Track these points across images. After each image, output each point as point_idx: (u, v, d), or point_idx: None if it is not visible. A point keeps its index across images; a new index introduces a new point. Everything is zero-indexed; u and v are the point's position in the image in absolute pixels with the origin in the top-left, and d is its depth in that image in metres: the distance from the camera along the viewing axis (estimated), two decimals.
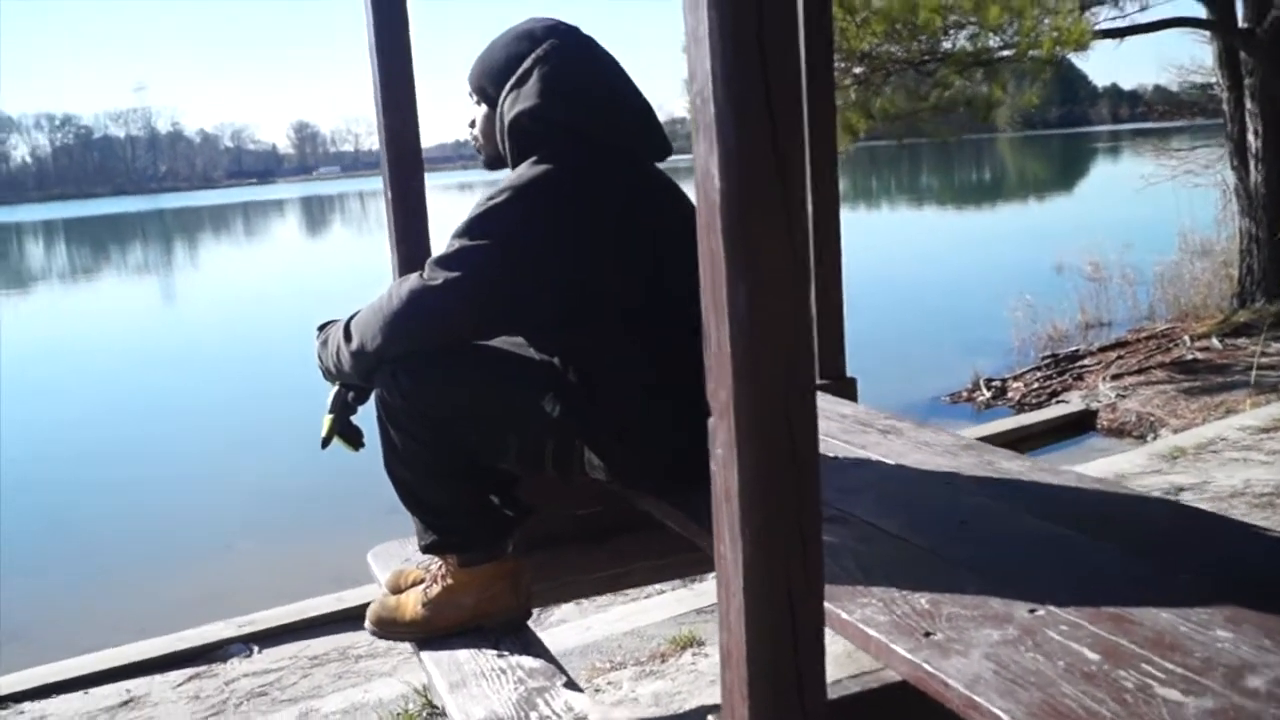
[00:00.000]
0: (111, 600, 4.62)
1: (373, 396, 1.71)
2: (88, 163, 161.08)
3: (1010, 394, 6.70)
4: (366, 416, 1.84)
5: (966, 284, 12.71)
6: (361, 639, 3.66)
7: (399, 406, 1.64)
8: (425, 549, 1.76)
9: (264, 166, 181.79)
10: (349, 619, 3.93)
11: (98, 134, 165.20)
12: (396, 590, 1.92)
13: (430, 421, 1.64)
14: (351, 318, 1.71)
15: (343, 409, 1.82)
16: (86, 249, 37.17)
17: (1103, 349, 7.41)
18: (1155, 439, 5.61)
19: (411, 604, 1.80)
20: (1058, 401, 6.38)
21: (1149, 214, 11.38)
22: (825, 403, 2.25)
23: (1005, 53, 5.71)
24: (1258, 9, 6.90)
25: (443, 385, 1.62)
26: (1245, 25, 7.00)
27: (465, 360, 1.65)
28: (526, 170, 1.61)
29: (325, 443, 1.81)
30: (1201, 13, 7.15)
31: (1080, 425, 6.04)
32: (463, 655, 1.71)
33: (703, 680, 2.41)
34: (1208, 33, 7.33)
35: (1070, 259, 10.61)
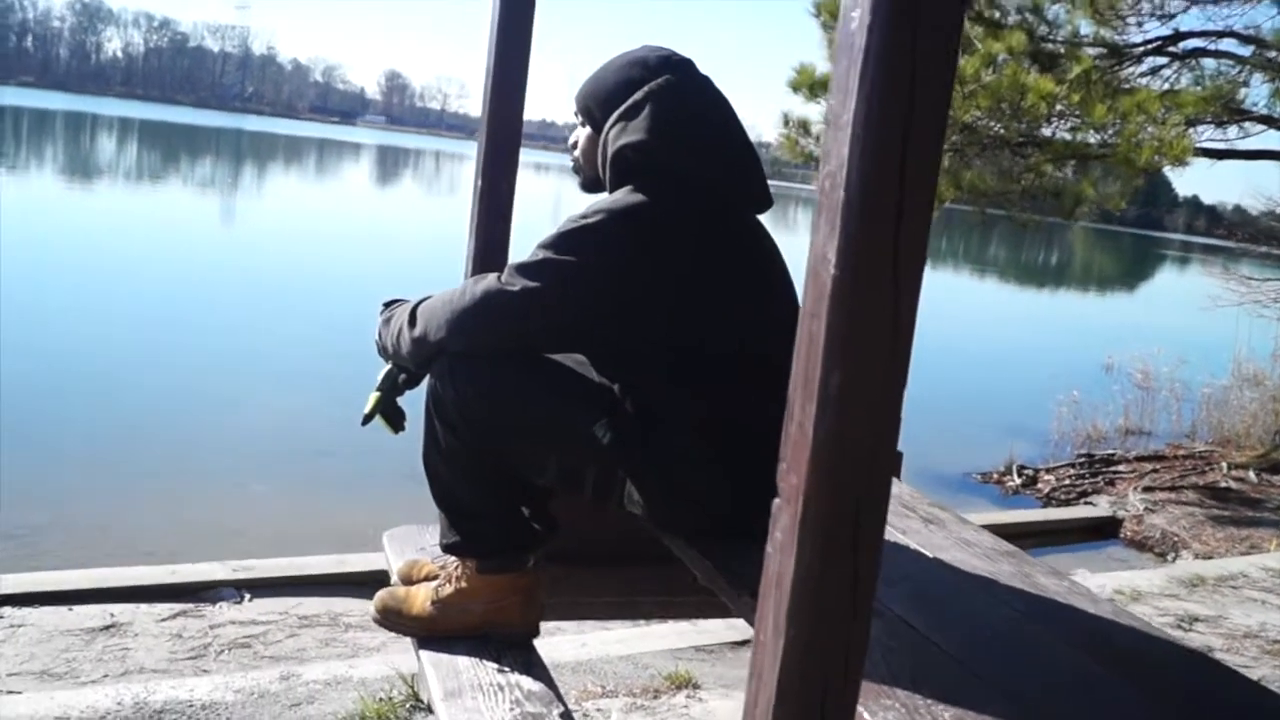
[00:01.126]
0: (113, 516, 4.64)
1: (424, 385, 1.70)
2: (176, 69, 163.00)
3: (1040, 485, 6.61)
4: (411, 401, 1.84)
5: (1016, 365, 12.61)
6: (354, 607, 3.66)
7: (450, 401, 1.62)
8: (446, 548, 1.74)
9: (348, 107, 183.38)
10: (347, 584, 3.93)
11: (193, 43, 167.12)
12: (408, 580, 1.90)
13: (477, 423, 1.62)
14: (420, 303, 1.70)
15: (391, 389, 1.81)
16: (158, 153, 37.66)
17: (1139, 458, 7.30)
18: (1176, 559, 5.52)
19: (421, 599, 1.78)
20: (1085, 502, 6.28)
21: (1207, 332, 11.22)
22: None
23: (1102, 151, 5.64)
24: None
25: (498, 389, 1.61)
26: None
27: (525, 369, 1.64)
28: (624, 197, 1.60)
29: (367, 419, 1.80)
30: None
31: (1103, 530, 5.94)
32: (463, 663, 1.69)
33: None
34: None
35: (1121, 360, 10.47)
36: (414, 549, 2.11)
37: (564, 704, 1.59)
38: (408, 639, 1.85)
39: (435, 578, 1.86)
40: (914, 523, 1.88)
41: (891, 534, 1.82)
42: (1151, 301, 26.30)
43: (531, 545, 1.75)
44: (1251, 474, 6.82)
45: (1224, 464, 7.03)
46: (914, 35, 0.84)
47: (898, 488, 2.11)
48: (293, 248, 15.05)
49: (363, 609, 3.76)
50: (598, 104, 1.71)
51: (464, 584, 1.75)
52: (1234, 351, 10.15)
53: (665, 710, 2.39)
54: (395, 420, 1.81)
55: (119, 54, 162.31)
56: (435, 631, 1.76)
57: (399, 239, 18.64)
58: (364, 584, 3.93)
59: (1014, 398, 10.19)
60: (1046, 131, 5.87)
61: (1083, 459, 7.23)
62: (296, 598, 3.75)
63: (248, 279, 11.75)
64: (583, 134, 1.78)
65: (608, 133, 1.68)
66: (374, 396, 1.81)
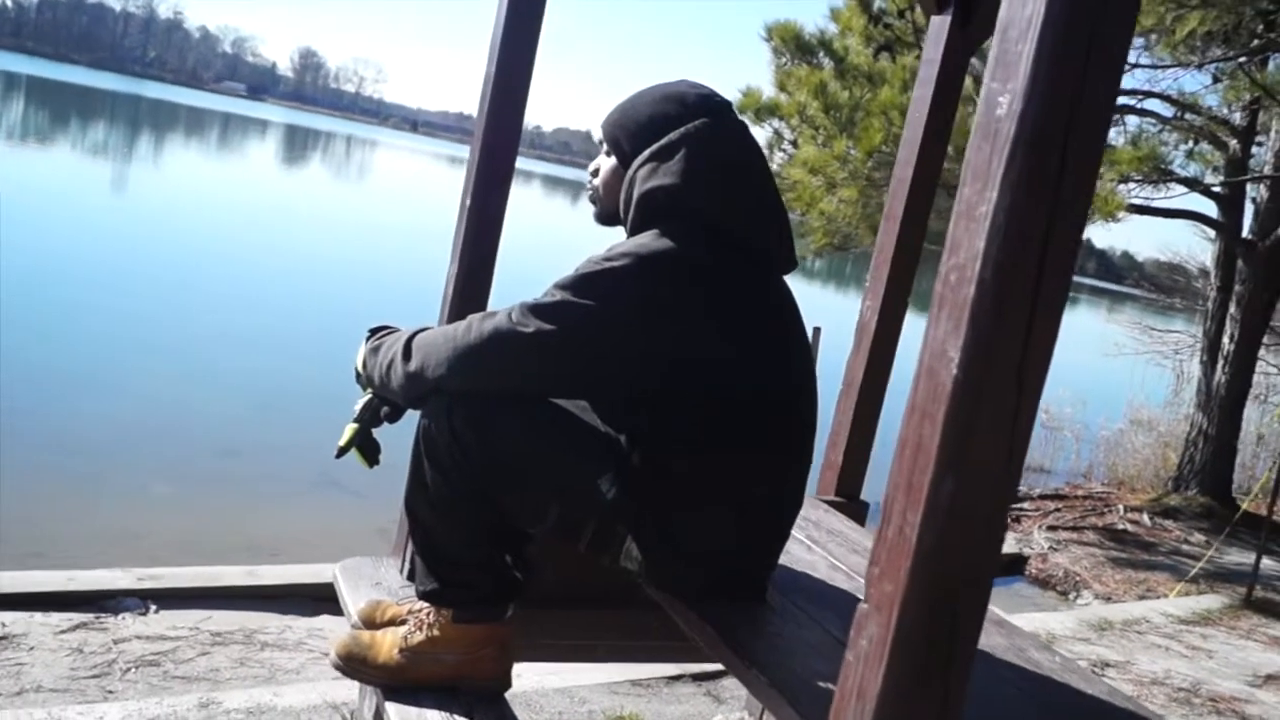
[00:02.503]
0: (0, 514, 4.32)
1: (418, 425, 1.58)
2: (73, 25, 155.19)
3: None
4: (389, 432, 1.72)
5: (902, 380, 12.82)
6: (269, 624, 3.47)
7: (444, 444, 1.51)
8: (423, 595, 1.63)
9: (258, 82, 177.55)
10: (259, 597, 3.73)
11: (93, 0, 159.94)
12: (370, 623, 1.77)
13: (472, 468, 1.52)
14: (416, 334, 1.58)
15: (370, 421, 1.70)
16: (46, 113, 35.80)
17: (1043, 496, 7.51)
18: (1078, 598, 5.69)
19: (388, 646, 1.66)
20: None
21: (1104, 373, 11.66)
22: (853, 532, 2.17)
23: None
24: (1264, 224, 7.18)
25: (499, 434, 1.50)
26: (1250, 236, 7.26)
27: (528, 413, 1.52)
28: (651, 242, 1.49)
29: (341, 452, 1.68)
30: (1214, 212, 7.40)
31: (1010, 567, 6.09)
32: (433, 718, 1.58)
33: None
34: (1213, 232, 7.58)
35: None
36: (369, 583, 1.98)
37: None
38: (329, 664, 1.72)
39: (400, 621, 1.73)
40: None
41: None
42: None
43: (512, 594, 1.65)
44: (1145, 517, 7.08)
45: (1121, 506, 7.28)
46: (1069, 124, 0.79)
47: (863, 537, 2.07)
48: (190, 225, 14.38)
49: (278, 625, 3.60)
50: (627, 136, 1.61)
51: (436, 632, 1.64)
52: (1128, 395, 10.60)
53: None
54: (371, 454, 1.69)
55: (8, 3, 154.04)
56: (403, 681, 1.65)
57: (301, 220, 18.08)
58: (277, 598, 3.75)
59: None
60: None
61: None
62: (206, 610, 3.54)
63: (142, 254, 11.19)
64: (606, 164, 1.67)
65: (637, 170, 1.58)
66: (351, 428, 1.69)
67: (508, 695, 1.80)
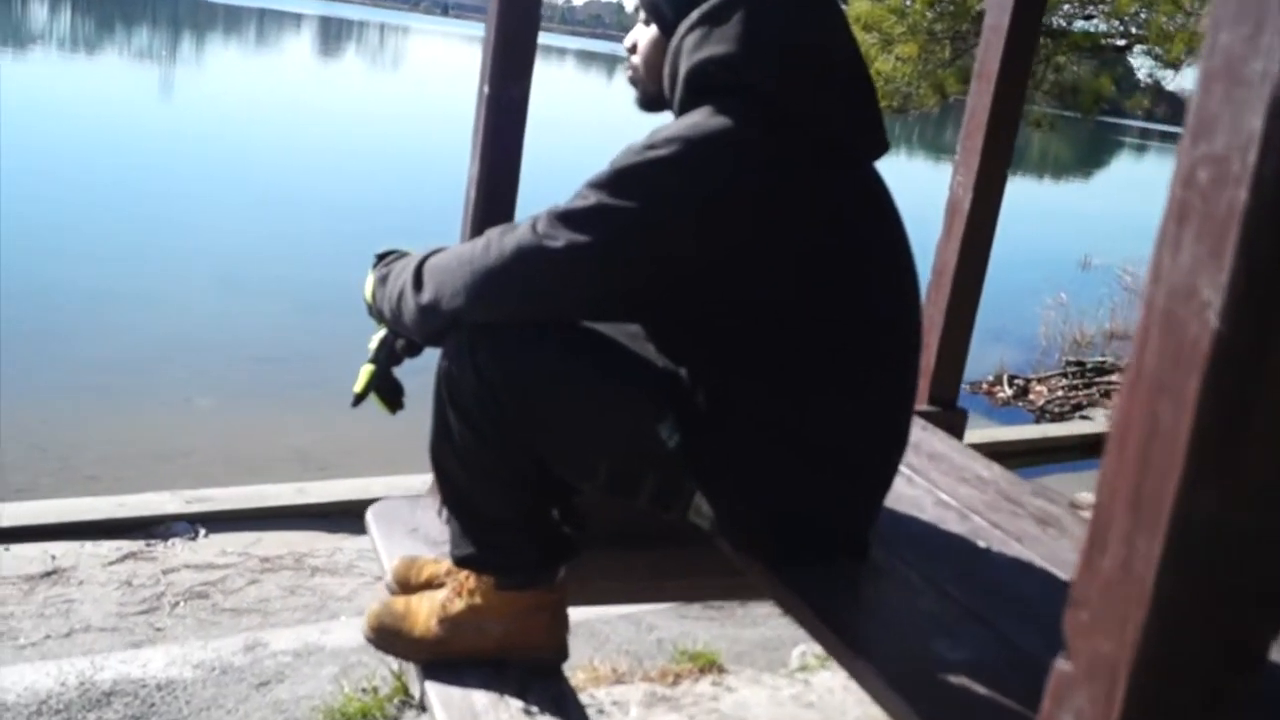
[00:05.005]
0: (47, 436, 4.19)
1: (438, 366, 1.32)
2: None
3: (1032, 396, 6.40)
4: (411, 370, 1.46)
5: (995, 263, 12.32)
6: (319, 545, 3.33)
7: (468, 388, 1.24)
8: (459, 561, 1.39)
9: None
10: (307, 515, 3.60)
11: None
12: (405, 584, 1.55)
13: (504, 415, 1.25)
14: (427, 257, 1.30)
15: (387, 360, 1.44)
16: (92, 20, 35.55)
17: None
18: None
19: (425, 616, 1.43)
20: (1080, 416, 6.10)
21: None
22: (958, 455, 1.87)
23: (1125, 44, 5.22)
24: None
25: (532, 375, 1.23)
26: None
27: (567, 347, 1.26)
28: (704, 121, 1.19)
29: (358, 400, 1.43)
30: None
31: (1098, 448, 5.74)
32: (480, 701, 1.36)
33: None
34: None
35: (1098, 258, 10.25)
36: (405, 529, 1.76)
37: None
38: (362, 635, 1.49)
39: (438, 582, 1.51)
40: (1026, 524, 1.55)
41: (1005, 540, 1.48)
42: (1118, 191, 26.14)
43: (563, 555, 1.41)
44: None
45: None
46: None
47: (989, 469, 1.78)
48: (232, 130, 14.10)
49: (327, 546, 3.45)
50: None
51: (478, 599, 1.40)
52: None
53: (691, 702, 2.10)
54: (392, 398, 1.44)
55: None
56: (443, 655, 1.42)
57: (339, 117, 17.72)
58: (326, 515, 3.63)
59: (995, 299, 9.98)
60: (1059, 22, 5.43)
61: (1073, 367, 7.02)
62: (255, 532, 3.42)
63: (184, 163, 10.98)
64: (645, 36, 1.36)
65: (683, 39, 1.27)
66: (366, 370, 1.44)
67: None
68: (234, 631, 2.61)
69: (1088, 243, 11.70)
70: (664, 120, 1.31)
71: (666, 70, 1.31)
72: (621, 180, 1.17)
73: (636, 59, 1.38)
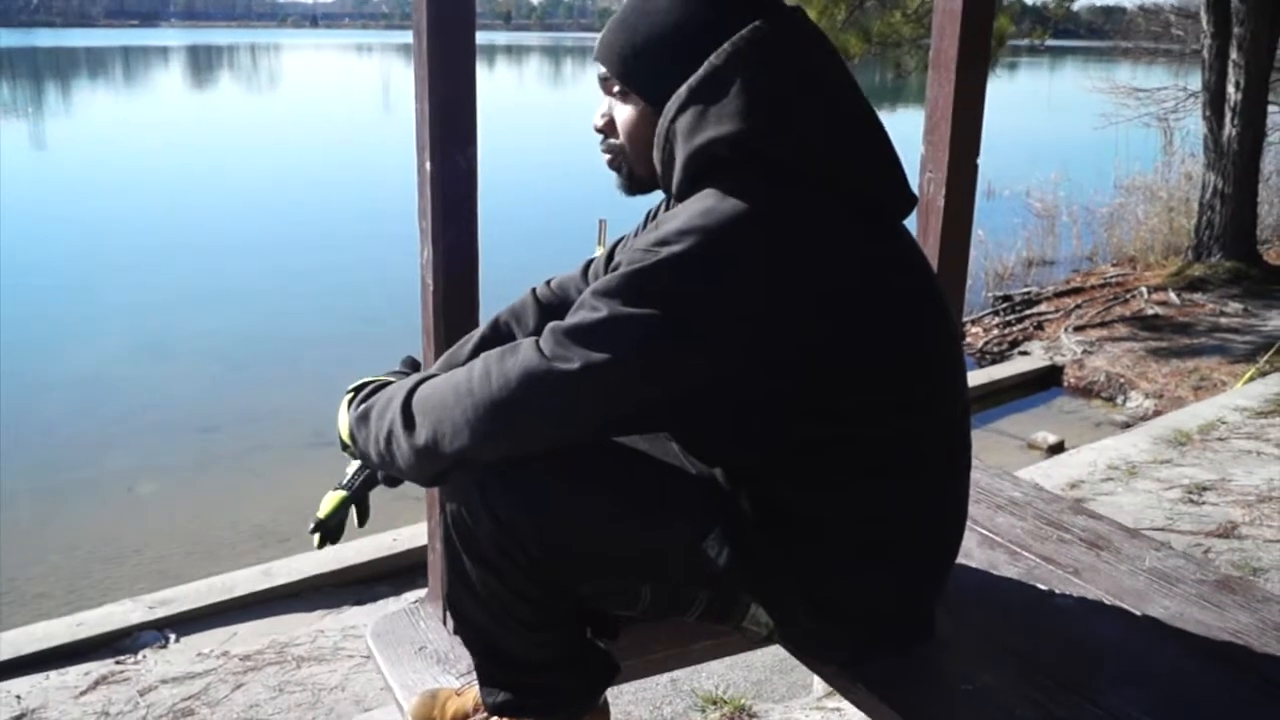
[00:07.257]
0: None
1: (443, 509, 1.21)
2: None
3: (970, 340, 6.44)
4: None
5: None
6: (298, 630, 3.18)
7: (485, 534, 1.13)
8: (497, 709, 1.27)
9: (147, 8, 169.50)
10: (279, 598, 3.46)
11: None
12: None
13: (531, 559, 1.13)
14: (413, 390, 1.15)
15: (364, 486, 1.34)
16: None
17: (1058, 294, 7.21)
18: (1126, 401, 5.46)
19: None
20: (1020, 353, 6.16)
21: (1088, 147, 11.21)
22: (981, 474, 1.81)
23: None
24: None
25: (556, 511, 1.12)
26: None
27: (592, 472, 1.13)
28: (717, 206, 1.05)
29: (321, 525, 1.34)
30: None
31: (1045, 381, 5.85)
32: None
33: None
34: None
35: (1001, 185, 10.33)
36: (412, 648, 1.65)
37: None
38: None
39: (466, 715, 1.40)
40: (1077, 550, 1.47)
41: (1060, 574, 1.41)
42: (1002, 115, 26.51)
43: (605, 677, 1.31)
44: (1172, 295, 6.81)
45: (1143, 289, 7.00)
46: None
47: (994, 479, 1.72)
48: (116, 178, 13.53)
49: (307, 631, 3.29)
50: (647, 62, 1.14)
51: None
52: (1115, 164, 10.18)
53: None
54: (361, 516, 1.36)
55: None
56: None
57: (225, 147, 17.16)
58: (298, 595, 3.49)
59: None
60: None
61: (1003, 303, 7.10)
62: (228, 627, 3.27)
63: (70, 222, 10.48)
64: (624, 112, 1.20)
65: (674, 120, 1.12)
66: (336, 497, 1.34)
67: None
68: None
69: (988, 171, 11.82)
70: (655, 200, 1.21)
71: (658, 152, 1.16)
72: (633, 286, 1.03)
73: (618, 140, 1.22)
